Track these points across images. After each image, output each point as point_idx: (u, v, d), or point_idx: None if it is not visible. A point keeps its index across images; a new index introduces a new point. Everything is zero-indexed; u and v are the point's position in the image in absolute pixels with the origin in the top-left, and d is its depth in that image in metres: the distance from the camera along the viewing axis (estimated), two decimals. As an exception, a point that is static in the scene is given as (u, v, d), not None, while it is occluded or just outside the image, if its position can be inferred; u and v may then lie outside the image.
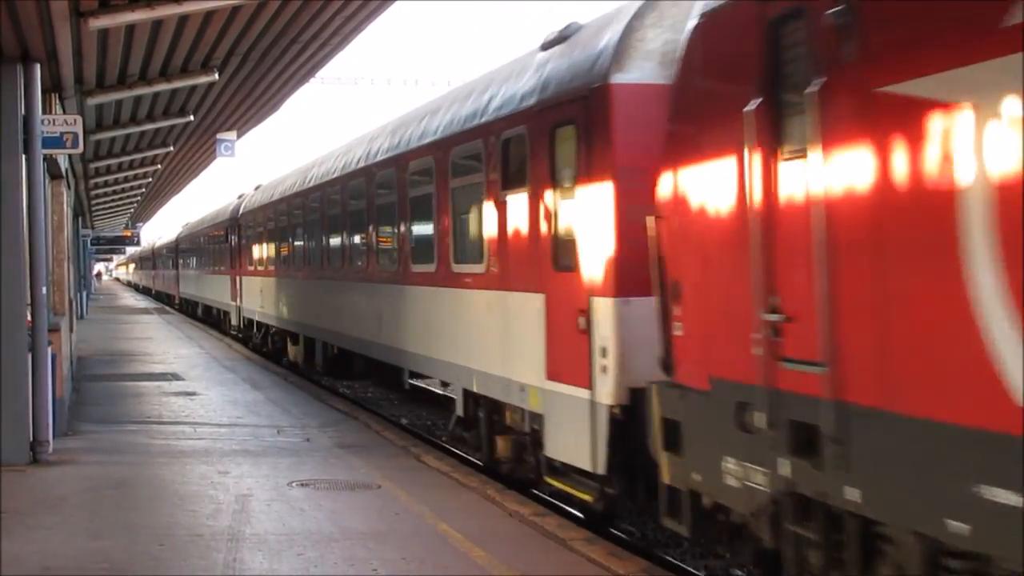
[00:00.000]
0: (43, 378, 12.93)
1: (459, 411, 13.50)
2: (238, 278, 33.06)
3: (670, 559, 10.68)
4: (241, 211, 32.59)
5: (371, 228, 17.65)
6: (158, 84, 15.76)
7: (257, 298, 29.73)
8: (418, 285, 14.96)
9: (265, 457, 13.40)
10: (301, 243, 23.59)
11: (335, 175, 20.15)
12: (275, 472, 12.41)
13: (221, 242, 37.04)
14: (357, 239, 18.73)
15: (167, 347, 30.94)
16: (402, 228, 15.79)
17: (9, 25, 11.26)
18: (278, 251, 26.40)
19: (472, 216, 13.04)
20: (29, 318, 12.88)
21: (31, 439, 12.80)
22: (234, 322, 34.35)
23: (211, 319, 42.85)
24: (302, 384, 21.90)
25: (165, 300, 67.52)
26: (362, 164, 18.11)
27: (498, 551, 9.01)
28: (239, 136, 23.25)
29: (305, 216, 22.93)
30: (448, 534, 9.58)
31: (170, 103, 18.40)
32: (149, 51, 14.05)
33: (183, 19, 12.43)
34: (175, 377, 22.58)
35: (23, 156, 12.71)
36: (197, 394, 19.73)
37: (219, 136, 22.94)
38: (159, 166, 28.33)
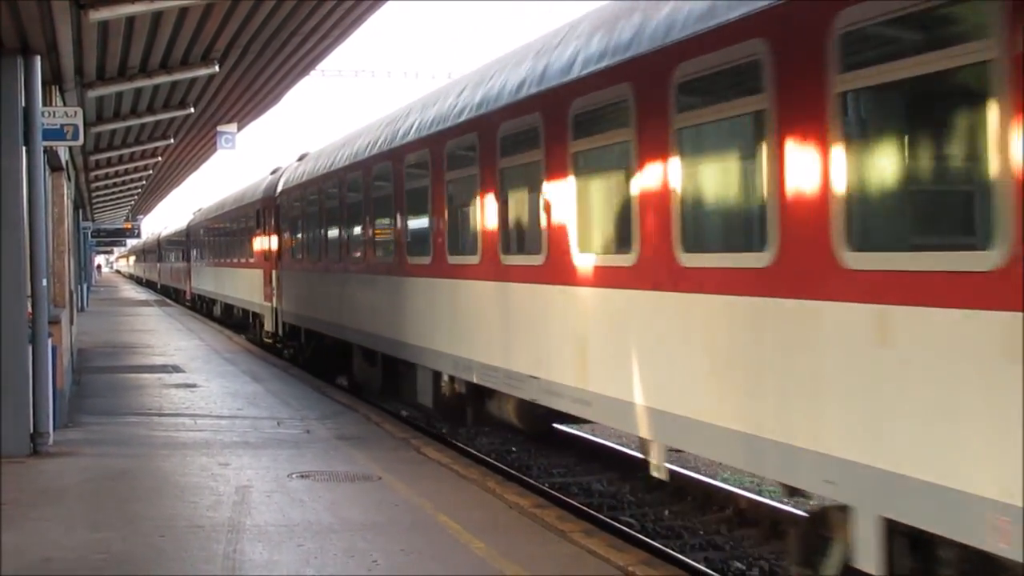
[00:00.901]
0: (43, 370, 12.95)
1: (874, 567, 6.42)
2: (275, 273, 26.16)
3: (670, 551, 10.70)
4: (281, 188, 25.37)
5: (564, 197, 10.31)
6: (158, 76, 15.78)
7: (306, 300, 22.79)
8: (714, 295, 7.98)
9: (265, 449, 13.41)
10: (390, 225, 16.43)
11: (461, 118, 12.96)
12: (275, 464, 12.43)
13: (249, 228, 29.98)
14: (533, 215, 11.26)
15: (167, 339, 30.95)
16: (643, 190, 8.93)
17: (9, 17, 11.27)
18: (346, 238, 19.05)
19: (928, 154, 6.55)
20: (30, 310, 12.89)
21: (32, 431, 12.82)
22: (268, 327, 27.34)
23: (232, 320, 36.45)
24: (302, 376, 21.90)
25: (173, 296, 61.10)
26: (529, 91, 11.03)
27: (498, 543, 9.03)
28: (239, 128, 23.28)
29: (398, 186, 15.71)
30: (448, 526, 9.59)
31: (170, 95, 18.41)
32: (149, 43, 14.05)
33: (183, 11, 12.43)
34: (175, 369, 22.59)
35: (23, 148, 12.71)
36: (197, 386, 19.75)
37: (219, 128, 22.97)
38: (159, 158, 28.37)
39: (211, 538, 9.09)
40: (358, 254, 18.20)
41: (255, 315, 30.38)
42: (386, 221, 16.82)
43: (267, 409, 16.95)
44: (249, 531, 9.34)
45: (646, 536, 11.48)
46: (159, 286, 73.86)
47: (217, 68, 15.62)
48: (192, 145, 27.05)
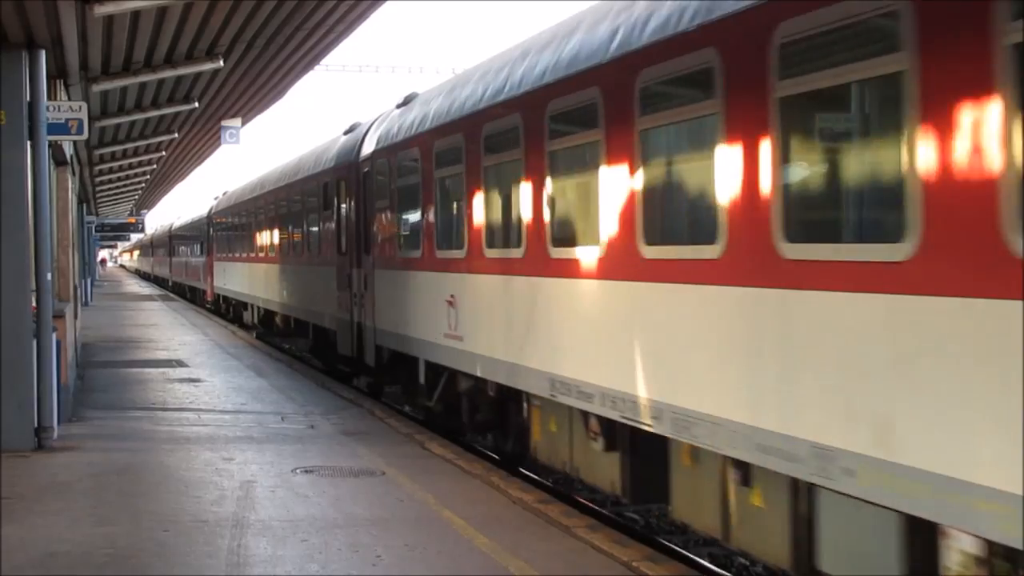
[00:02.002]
0: (48, 365, 12.95)
1: None
2: (356, 273, 18.18)
3: (673, 546, 10.70)
4: (372, 148, 17.09)
5: None
6: (163, 71, 15.80)
7: (434, 317, 13.89)
8: None
9: (269, 444, 13.42)
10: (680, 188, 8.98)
11: None
12: (279, 459, 12.43)
13: (309, 211, 22.42)
14: None
15: (171, 334, 30.97)
16: None
17: (14, 11, 11.26)
18: (549, 217, 10.64)
19: None
20: (34, 304, 12.90)
21: (36, 425, 12.83)
22: (345, 349, 19.21)
23: (275, 329, 28.87)
24: (306, 371, 21.91)
25: (188, 295, 53.96)
26: None
27: (502, 538, 9.02)
28: (244, 123, 23.29)
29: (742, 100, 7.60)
30: (452, 521, 9.59)
31: (175, 90, 18.43)
32: (154, 38, 14.06)
33: (188, 6, 12.44)
34: (179, 364, 22.60)
35: (28, 143, 12.71)
36: (201, 381, 19.76)
37: (224, 123, 22.98)
38: (164, 153, 28.39)
39: (215, 533, 9.10)
40: (589, 247, 9.75)
41: (318, 329, 22.31)
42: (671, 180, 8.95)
43: (271, 404, 16.96)
44: (253, 526, 9.34)
45: (650, 532, 11.48)
46: (170, 283, 66.06)
47: (221, 63, 15.63)
48: (196, 140, 27.07)
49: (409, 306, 15.18)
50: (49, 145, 13.78)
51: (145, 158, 28.82)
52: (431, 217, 14.20)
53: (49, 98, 13.41)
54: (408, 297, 15.26)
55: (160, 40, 14.21)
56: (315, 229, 21.92)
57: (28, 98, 12.66)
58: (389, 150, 16.16)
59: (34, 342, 12.78)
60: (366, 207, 17.60)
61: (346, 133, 20.31)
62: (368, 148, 17.51)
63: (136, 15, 12.54)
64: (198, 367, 22.05)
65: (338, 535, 9.09)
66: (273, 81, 18.86)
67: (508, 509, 10.21)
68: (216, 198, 42.54)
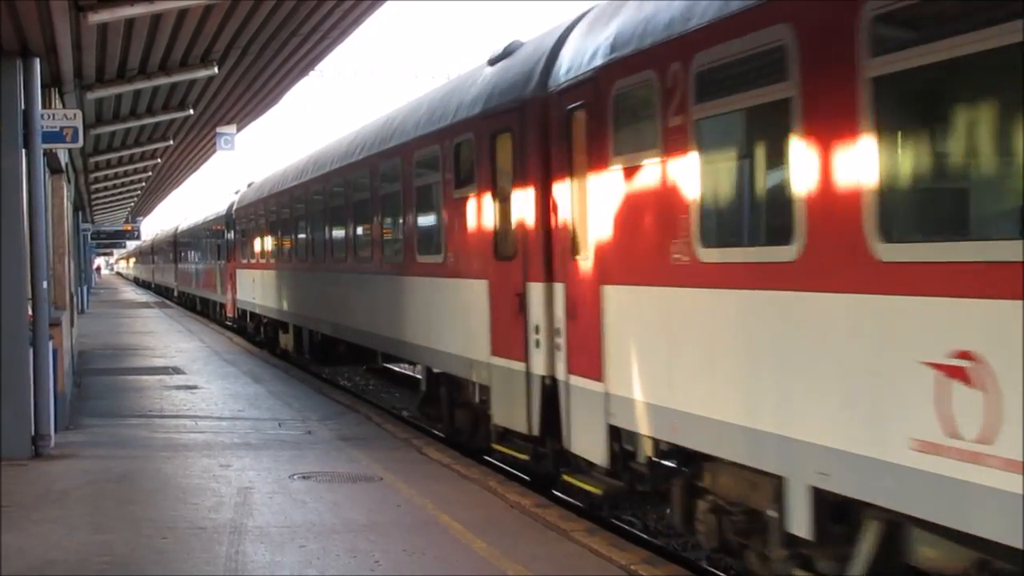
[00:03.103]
0: (44, 372, 12.94)
1: None
2: (544, 292, 10.84)
3: (672, 549, 10.70)
4: (601, 61, 9.36)
5: None
6: (157, 78, 15.80)
7: (845, 392, 6.40)
8: None
9: (266, 450, 13.42)
10: None
11: None
12: (276, 465, 12.43)
13: (413, 194, 15.09)
14: None
15: (168, 341, 30.94)
16: None
17: (8, 19, 11.27)
18: None
19: None
20: (30, 312, 12.89)
21: (33, 433, 12.82)
22: (509, 420, 11.83)
23: (332, 353, 22.34)
24: (303, 377, 21.90)
25: (199, 308, 47.01)
26: None
27: (500, 542, 9.03)
28: (239, 130, 23.30)
29: None
30: (450, 526, 9.60)
31: (170, 97, 18.42)
32: (148, 45, 14.06)
33: (182, 13, 12.44)
34: (176, 371, 22.59)
35: (23, 151, 12.71)
36: (198, 388, 19.75)
37: (219, 130, 22.99)
38: (159, 160, 28.37)
39: (213, 540, 9.10)
40: None
41: (434, 376, 15.14)
42: None
43: (268, 410, 16.95)
44: (251, 532, 9.34)
45: (648, 535, 11.48)
46: (176, 293, 57.93)
47: (216, 69, 15.63)
48: (191, 146, 27.06)
49: (750, 366, 7.46)
50: (44, 153, 13.77)
51: (140, 165, 28.80)
52: (863, 174, 6.26)
53: (44, 106, 13.41)
54: (740, 347, 7.58)
55: (155, 47, 14.21)
56: (430, 220, 14.59)
57: (23, 106, 12.66)
58: (659, 52, 8.46)
59: (31, 350, 12.77)
60: (575, 172, 10.22)
61: (494, 62, 13.09)
62: (579, 64, 10.05)
63: (130, 22, 12.54)
64: (195, 374, 22.03)
65: (336, 541, 9.09)
66: (268, 87, 18.86)
67: (506, 513, 10.21)
68: (237, 192, 34.75)
